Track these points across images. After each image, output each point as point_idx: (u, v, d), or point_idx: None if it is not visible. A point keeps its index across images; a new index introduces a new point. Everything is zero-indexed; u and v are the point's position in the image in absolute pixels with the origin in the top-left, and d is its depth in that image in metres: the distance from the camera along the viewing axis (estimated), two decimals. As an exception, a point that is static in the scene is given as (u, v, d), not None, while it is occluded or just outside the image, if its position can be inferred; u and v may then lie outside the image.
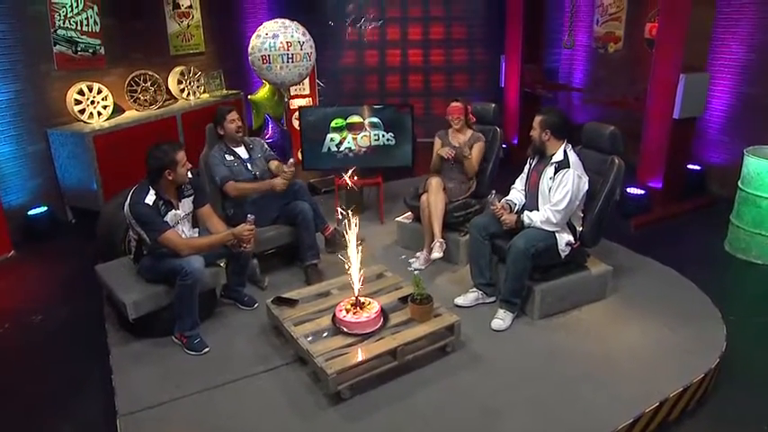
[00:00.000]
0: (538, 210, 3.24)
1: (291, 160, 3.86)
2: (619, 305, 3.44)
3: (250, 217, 3.14)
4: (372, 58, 7.34)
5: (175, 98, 6.08)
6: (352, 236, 2.91)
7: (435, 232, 3.80)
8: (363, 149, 4.62)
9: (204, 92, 6.37)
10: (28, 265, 4.45)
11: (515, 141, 6.78)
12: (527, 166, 3.46)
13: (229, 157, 3.78)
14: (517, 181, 3.53)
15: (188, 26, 6.25)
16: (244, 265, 3.40)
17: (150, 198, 2.92)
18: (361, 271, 2.97)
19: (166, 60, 6.06)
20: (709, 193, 5.38)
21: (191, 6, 6.23)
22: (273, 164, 3.93)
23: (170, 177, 2.95)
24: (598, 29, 6.58)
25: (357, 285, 2.95)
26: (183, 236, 3.06)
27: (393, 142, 4.65)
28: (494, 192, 3.36)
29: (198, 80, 6.26)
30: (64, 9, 4.90)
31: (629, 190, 4.98)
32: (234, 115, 3.78)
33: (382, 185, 4.75)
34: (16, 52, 4.65)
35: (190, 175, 3.09)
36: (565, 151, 3.20)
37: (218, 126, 3.79)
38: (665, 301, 3.44)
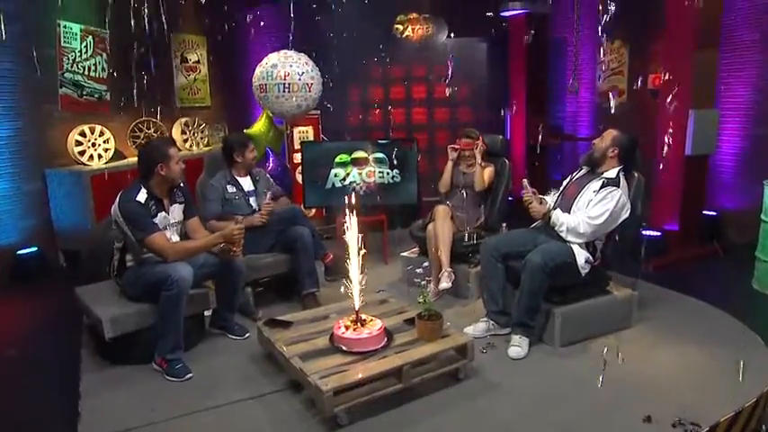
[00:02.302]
0: None
1: (270, 193, 3.70)
2: (648, 332, 3.12)
3: (238, 217, 3.03)
4: (376, 116, 7.39)
5: (178, 148, 6.03)
6: (352, 240, 2.67)
7: (443, 261, 3.55)
8: (367, 184, 4.47)
9: (207, 144, 6.34)
10: (11, 303, 4.17)
11: (522, 195, 6.64)
12: (566, 179, 3.29)
13: (231, 189, 3.64)
14: (552, 192, 3.36)
15: (195, 80, 6.33)
16: (234, 286, 3.13)
17: (142, 196, 2.78)
18: (363, 282, 2.70)
19: (172, 111, 6.08)
20: (727, 238, 5.14)
21: (198, 61, 6.36)
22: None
23: (162, 172, 2.82)
24: (601, 84, 6.64)
25: (357, 300, 2.67)
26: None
27: (399, 179, 4.52)
28: (525, 179, 3.17)
29: (202, 131, 6.26)
30: (73, 53, 4.96)
31: (644, 232, 4.76)
32: (253, 145, 3.80)
33: (386, 223, 4.55)
34: (21, 90, 4.64)
35: (182, 183, 2.94)
36: (619, 173, 3.03)
37: (236, 153, 3.68)
38: (699, 329, 3.13)
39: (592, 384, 2.61)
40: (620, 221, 2.96)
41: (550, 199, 3.27)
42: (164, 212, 2.87)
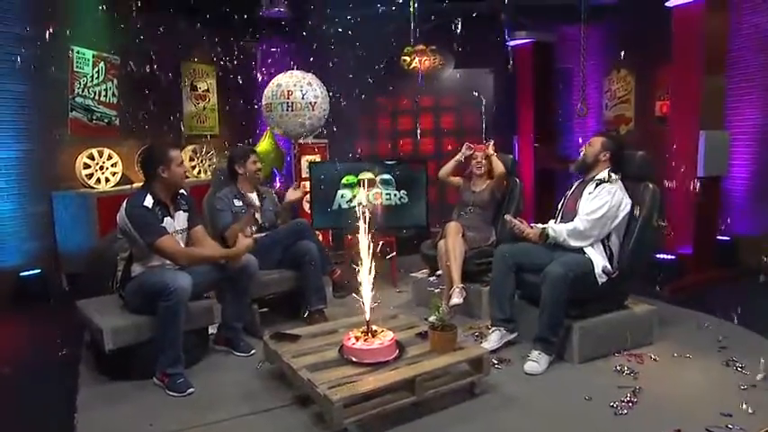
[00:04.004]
0: None
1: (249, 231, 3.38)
2: (670, 348, 3.00)
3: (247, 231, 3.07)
4: (384, 147, 7.41)
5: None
6: (363, 245, 2.58)
7: (454, 278, 3.46)
8: (374, 206, 4.42)
9: (216, 171, 6.34)
10: (11, 324, 4.07)
11: (531, 224, 6.57)
12: (562, 200, 3.27)
13: (238, 203, 3.60)
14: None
15: (204, 108, 6.38)
16: (244, 289, 3.05)
17: (148, 201, 2.75)
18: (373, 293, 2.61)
19: (180, 139, 6.10)
20: (742, 264, 5.02)
21: (207, 90, 6.43)
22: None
23: (164, 175, 2.79)
24: (608, 113, 6.65)
25: (369, 310, 2.57)
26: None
27: (406, 200, 4.46)
28: (507, 215, 3.25)
29: (210, 159, 6.27)
30: (85, 78, 5.02)
31: (658, 255, 4.66)
32: (256, 158, 3.75)
33: (395, 245, 4.47)
34: (32, 113, 4.67)
35: (185, 191, 2.91)
36: (609, 173, 3.03)
37: (238, 164, 3.67)
38: (725, 345, 3.00)
39: (616, 397, 2.47)
40: (621, 217, 2.95)
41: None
42: (169, 218, 2.83)
